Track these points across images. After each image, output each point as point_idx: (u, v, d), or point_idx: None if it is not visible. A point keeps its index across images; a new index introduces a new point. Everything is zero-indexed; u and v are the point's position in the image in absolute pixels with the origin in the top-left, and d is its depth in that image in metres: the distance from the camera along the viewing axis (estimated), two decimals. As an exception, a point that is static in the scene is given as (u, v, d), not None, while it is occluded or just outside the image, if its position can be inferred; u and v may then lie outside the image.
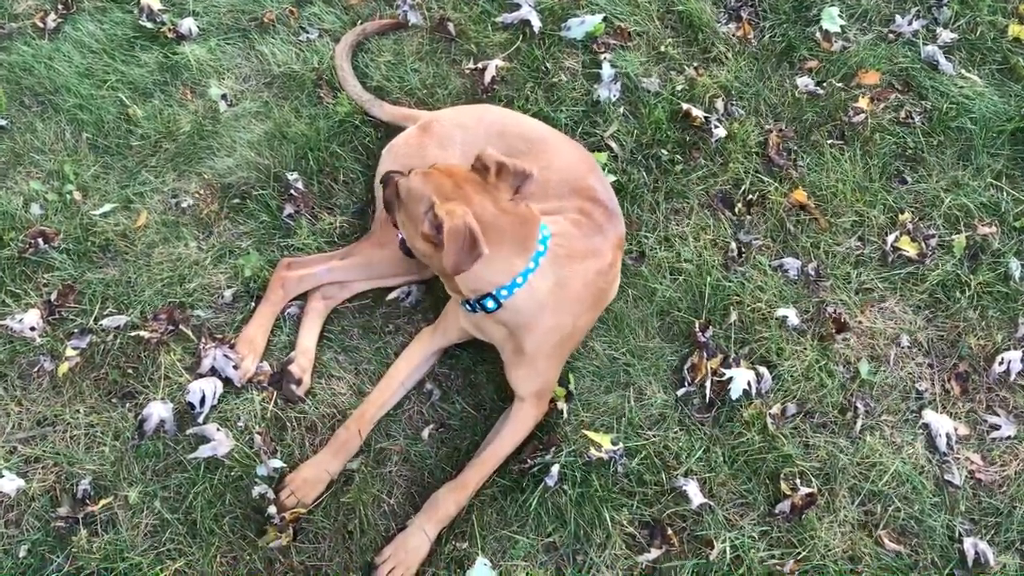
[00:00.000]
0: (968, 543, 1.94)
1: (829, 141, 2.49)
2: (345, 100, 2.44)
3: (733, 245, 2.30)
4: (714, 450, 2.03)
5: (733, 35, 2.67)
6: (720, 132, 2.46)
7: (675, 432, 2.06)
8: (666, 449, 2.03)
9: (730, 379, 2.09)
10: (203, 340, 2.12)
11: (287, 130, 2.41)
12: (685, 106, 2.48)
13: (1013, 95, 2.58)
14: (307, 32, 2.58)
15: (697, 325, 2.17)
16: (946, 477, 2.03)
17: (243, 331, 2.13)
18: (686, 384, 2.12)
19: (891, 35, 2.70)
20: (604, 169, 2.36)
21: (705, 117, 2.48)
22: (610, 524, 1.94)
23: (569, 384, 2.09)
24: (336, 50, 2.47)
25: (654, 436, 2.04)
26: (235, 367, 2.08)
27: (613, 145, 2.43)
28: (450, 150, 2.11)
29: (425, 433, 2.05)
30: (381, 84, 2.49)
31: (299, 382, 2.10)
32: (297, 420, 2.06)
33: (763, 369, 2.13)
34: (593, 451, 1.99)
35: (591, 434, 2.02)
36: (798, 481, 1.99)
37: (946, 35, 2.68)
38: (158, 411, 2.04)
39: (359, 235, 2.25)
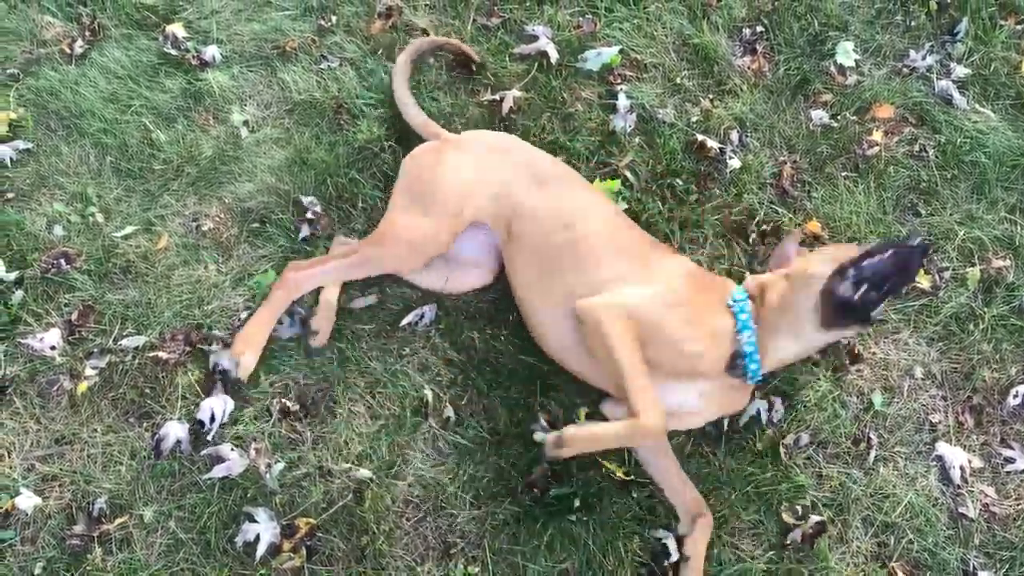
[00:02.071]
0: (982, 577, 1.94)
1: (843, 173, 2.50)
2: (365, 127, 2.48)
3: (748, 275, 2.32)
4: (726, 479, 2.04)
5: (748, 68, 2.69)
6: (735, 163, 2.49)
7: (689, 463, 2.06)
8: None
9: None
10: (211, 343, 2.16)
11: (307, 156, 2.44)
12: (700, 137, 2.50)
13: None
14: (328, 60, 2.62)
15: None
16: (960, 510, 2.03)
17: (243, 329, 2.16)
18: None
19: (905, 70, 2.72)
20: (619, 197, 2.39)
21: (720, 148, 2.51)
22: (623, 551, 1.94)
23: (579, 420, 2.10)
24: (398, 60, 2.51)
25: (667, 464, 2.05)
26: (236, 365, 2.12)
27: (628, 175, 2.46)
28: (466, 166, 2.14)
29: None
30: (395, 113, 2.53)
31: (316, 334, 2.18)
32: (308, 436, 2.08)
33: (776, 399, 2.14)
34: (607, 478, 2.00)
35: (607, 463, 2.03)
36: (808, 510, 1.99)
37: (960, 70, 2.70)
38: (175, 431, 2.06)
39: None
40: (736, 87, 2.66)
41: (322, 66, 2.62)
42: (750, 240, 2.38)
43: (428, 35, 2.65)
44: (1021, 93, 2.67)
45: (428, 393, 2.13)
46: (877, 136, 2.57)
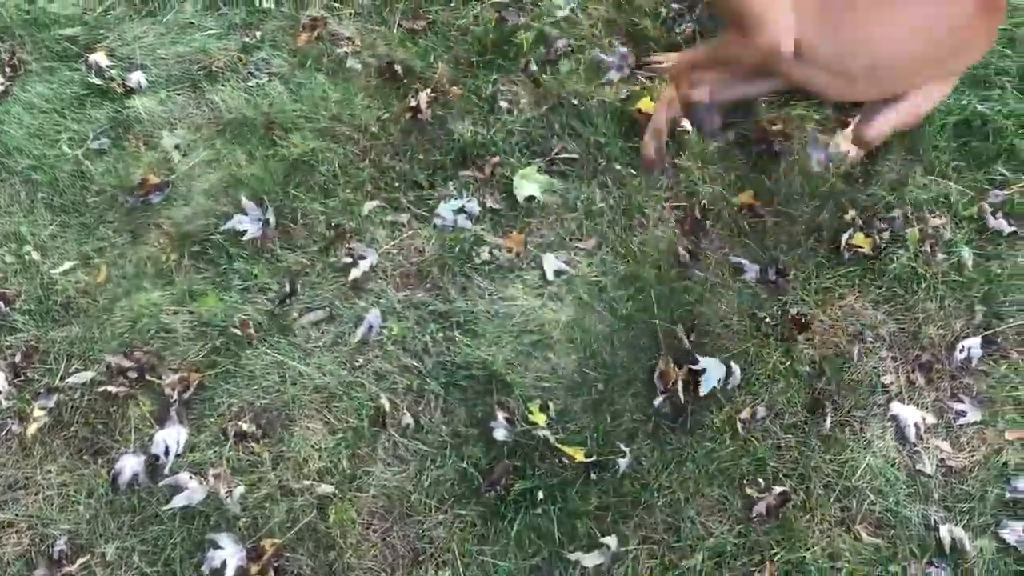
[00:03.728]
0: (944, 530, 1.97)
1: (777, 148, 2.53)
2: (299, 140, 2.46)
3: (681, 251, 2.32)
4: (688, 456, 2.05)
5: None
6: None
7: (648, 443, 2.07)
8: (640, 461, 2.05)
9: (702, 371, 2.12)
10: (161, 375, 2.13)
11: (241, 175, 2.42)
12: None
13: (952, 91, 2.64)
14: (256, 77, 2.60)
15: (680, 329, 2.19)
16: (918, 467, 2.06)
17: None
18: (658, 392, 2.14)
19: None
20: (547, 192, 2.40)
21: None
22: (588, 539, 1.95)
23: (549, 410, 2.11)
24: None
25: (629, 448, 2.06)
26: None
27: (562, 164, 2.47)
28: None
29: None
30: (329, 124, 2.51)
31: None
32: (267, 457, 2.06)
33: (734, 365, 2.15)
34: (568, 467, 2.01)
35: (565, 448, 2.03)
36: (770, 481, 2.01)
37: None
38: (131, 464, 2.03)
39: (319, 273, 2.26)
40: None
41: (250, 83, 2.59)
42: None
43: (353, 42, 2.64)
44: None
45: (385, 402, 2.12)
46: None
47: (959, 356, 2.19)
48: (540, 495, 2.00)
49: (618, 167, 2.46)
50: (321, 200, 2.39)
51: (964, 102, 2.57)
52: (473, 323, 2.21)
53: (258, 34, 2.68)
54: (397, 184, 2.44)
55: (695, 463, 2.05)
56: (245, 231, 2.33)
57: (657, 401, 2.12)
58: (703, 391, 2.11)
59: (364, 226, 2.36)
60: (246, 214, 2.35)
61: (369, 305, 2.25)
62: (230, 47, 2.67)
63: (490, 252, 2.32)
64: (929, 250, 2.33)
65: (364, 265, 2.29)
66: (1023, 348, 2.20)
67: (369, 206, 2.38)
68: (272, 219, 2.34)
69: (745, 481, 2.03)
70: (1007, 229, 2.37)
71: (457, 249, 2.31)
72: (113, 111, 2.56)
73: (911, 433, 2.10)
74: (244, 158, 2.46)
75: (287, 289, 2.26)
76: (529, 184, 2.44)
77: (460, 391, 2.14)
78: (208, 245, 2.33)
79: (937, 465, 2.06)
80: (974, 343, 2.19)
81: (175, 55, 2.66)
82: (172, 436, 2.05)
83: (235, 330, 2.20)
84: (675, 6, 2.77)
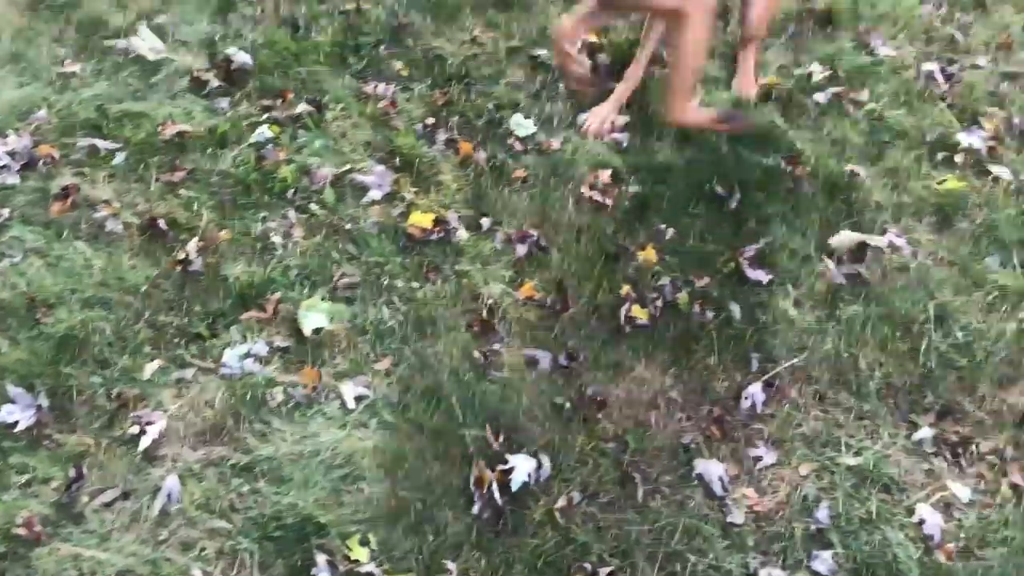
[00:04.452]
0: (763, 575, 2.05)
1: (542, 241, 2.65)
2: (65, 315, 2.35)
3: (476, 354, 2.37)
4: (514, 560, 2.05)
5: (452, 156, 2.81)
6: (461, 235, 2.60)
7: (474, 554, 2.06)
8: (468, 574, 2.03)
9: (511, 470, 2.13)
10: None
11: (5, 363, 2.27)
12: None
13: (695, 160, 2.86)
14: (9, 257, 2.48)
15: (488, 432, 2.20)
16: (729, 519, 2.15)
17: None
18: (475, 499, 2.13)
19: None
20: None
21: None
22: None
23: (370, 543, 2.06)
24: None
25: (456, 564, 2.04)
26: None
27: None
28: None
29: None
30: (96, 292, 2.42)
31: None
32: None
33: (543, 456, 2.19)
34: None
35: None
36: (596, 564, 2.04)
37: (622, 119, 2.95)
38: None
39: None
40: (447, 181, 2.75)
41: (3, 264, 2.47)
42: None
43: (111, 204, 2.57)
44: (683, 130, 2.94)
45: (197, 572, 2.01)
46: (586, 190, 2.76)
47: (745, 404, 2.32)
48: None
49: (400, 283, 2.50)
50: (98, 372, 2.28)
51: (708, 170, 2.79)
52: (278, 469, 2.15)
53: (6, 212, 2.56)
54: (177, 340, 2.37)
55: (522, 563, 2.05)
56: (16, 422, 2.18)
57: (476, 508, 2.12)
58: (515, 488, 2.13)
59: (148, 390, 2.27)
60: (15, 403, 2.20)
61: (165, 472, 2.14)
62: (-23, 230, 2.54)
63: (285, 392, 2.28)
64: (700, 310, 2.48)
65: (153, 431, 2.18)
66: (798, 384, 2.37)
67: (150, 368, 2.30)
68: (45, 403, 2.21)
69: (572, 570, 2.05)
70: (764, 278, 2.56)
71: (249, 396, 2.26)
72: None
73: (717, 487, 2.19)
74: (6, 344, 2.32)
75: (72, 475, 2.12)
76: (315, 315, 2.42)
77: (275, 543, 2.06)
78: (-22, 444, 2.17)
79: (746, 513, 2.16)
80: (756, 389, 2.33)
81: (-84, 248, 2.50)
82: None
83: (20, 531, 2.04)
84: (429, 120, 2.87)
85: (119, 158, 2.68)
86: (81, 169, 2.66)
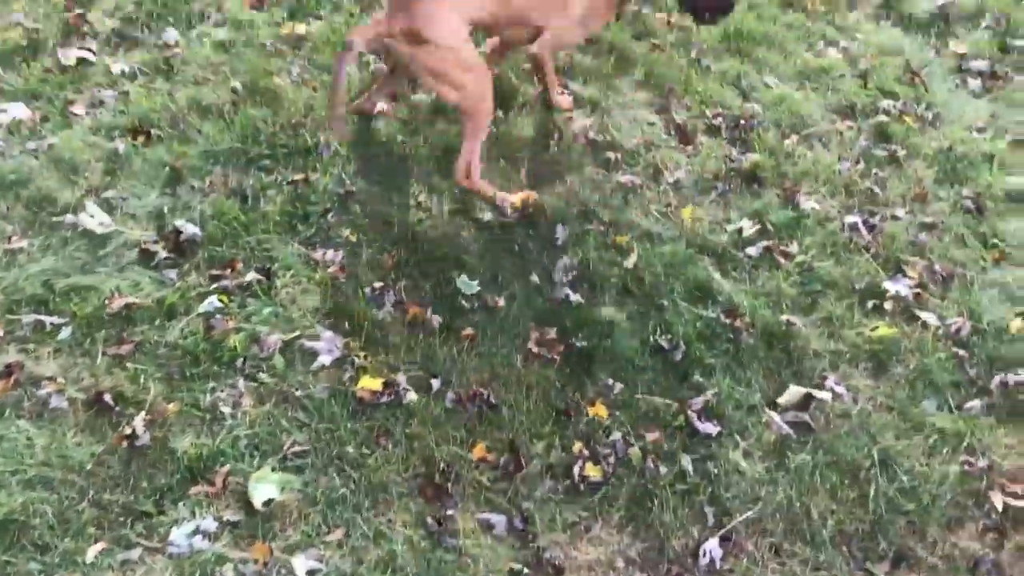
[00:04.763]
0: None
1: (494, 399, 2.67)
2: (4, 498, 2.27)
3: (430, 520, 2.34)
4: None
5: (401, 317, 2.84)
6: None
7: None
8: None
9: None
10: None
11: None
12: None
13: (637, 314, 2.95)
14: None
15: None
16: None
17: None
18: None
19: (531, 286, 3.01)
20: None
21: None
22: None
23: None
24: None
25: None
26: None
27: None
28: None
29: None
30: (38, 472, 2.36)
31: None
32: None
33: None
34: None
35: None
36: None
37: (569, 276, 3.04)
38: None
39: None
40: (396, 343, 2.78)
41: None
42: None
43: (56, 380, 2.54)
44: (625, 285, 3.04)
45: None
46: (533, 346, 2.82)
47: (704, 561, 2.32)
48: None
49: (351, 450, 2.48)
50: (37, 558, 2.20)
51: (651, 324, 2.87)
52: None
53: (-55, 396, 2.51)
54: (123, 519, 2.30)
55: None
56: (-52, 616, 2.08)
57: None
58: None
59: (91, 575, 2.18)
60: (-53, 596, 2.11)
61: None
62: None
63: (235, 569, 2.21)
64: (652, 465, 2.50)
65: (95, 620, 2.10)
66: (754, 537, 2.38)
67: (93, 551, 2.22)
68: (-19, 594, 2.12)
69: None
70: (713, 430, 2.60)
71: (198, 575, 2.19)
72: None
73: (679, 646, 2.16)
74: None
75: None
76: (265, 486, 2.38)
77: None
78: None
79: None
80: (713, 545, 2.34)
81: None
82: None
83: None
84: (377, 284, 2.92)
85: (65, 333, 2.66)
86: (25, 346, 2.63)
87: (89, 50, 3.72)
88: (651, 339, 2.87)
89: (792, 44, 4.25)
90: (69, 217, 2.97)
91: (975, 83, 4.11)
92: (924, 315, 3.03)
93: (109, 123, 3.39)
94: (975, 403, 2.78)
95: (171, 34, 3.86)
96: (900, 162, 3.65)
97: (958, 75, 4.19)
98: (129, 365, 2.62)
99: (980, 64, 4.22)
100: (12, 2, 3.94)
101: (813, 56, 4.20)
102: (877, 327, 2.97)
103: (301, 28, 3.99)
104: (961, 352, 2.92)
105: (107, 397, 2.52)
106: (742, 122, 3.76)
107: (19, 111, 3.36)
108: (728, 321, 2.94)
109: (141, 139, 3.33)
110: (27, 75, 3.54)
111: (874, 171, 3.60)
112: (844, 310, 3.03)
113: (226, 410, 2.55)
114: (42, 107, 3.43)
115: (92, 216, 2.97)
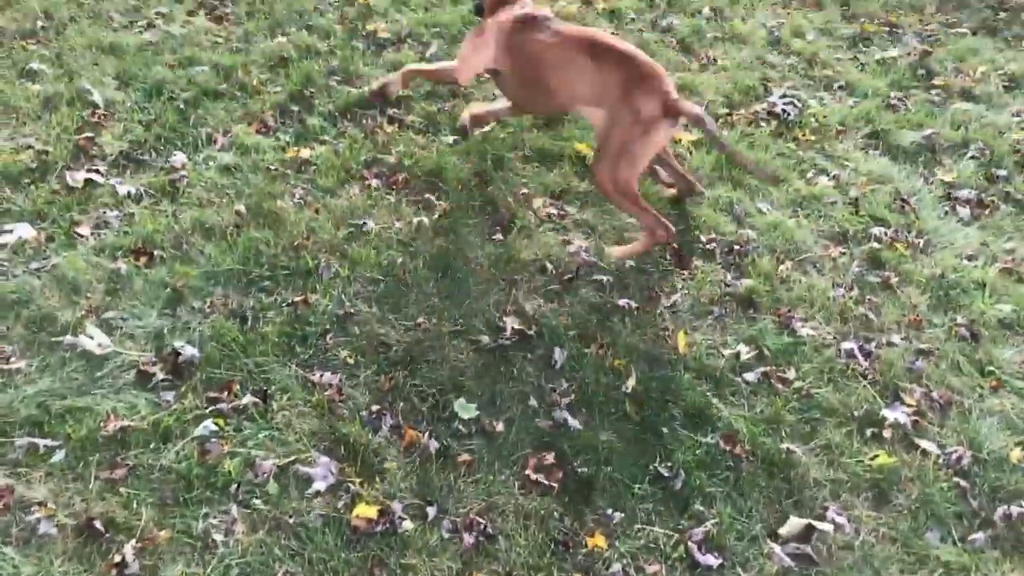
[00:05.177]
0: None
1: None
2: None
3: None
4: None
5: (398, 445, 2.82)
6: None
7: None
8: None
9: None
10: None
11: None
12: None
13: (637, 440, 2.93)
14: (-69, 566, 2.36)
15: None
16: None
17: None
18: None
19: (530, 411, 3.00)
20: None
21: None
22: None
23: None
24: None
25: None
26: None
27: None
28: None
29: None
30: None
31: None
32: None
33: None
34: None
35: None
36: None
37: (566, 399, 3.04)
38: None
39: None
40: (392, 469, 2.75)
41: (-77, 576, 2.34)
42: None
43: (46, 505, 2.49)
44: (624, 409, 3.03)
45: None
46: (531, 472, 2.78)
47: None
48: None
49: (346, 582, 2.43)
50: None
51: (650, 450, 2.86)
52: None
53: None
54: (106, 655, 2.23)
55: None
56: None
57: None
58: None
59: None
60: None
61: None
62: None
63: None
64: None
65: None
66: None
67: None
68: None
69: None
70: (715, 562, 2.56)
71: None
72: None
73: None
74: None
75: None
76: (255, 620, 2.32)
77: None
78: None
79: None
80: None
81: None
82: None
83: None
84: (375, 407, 2.91)
85: (58, 456, 2.63)
86: (17, 469, 2.59)
87: (97, 171, 3.79)
88: (651, 466, 2.84)
89: (784, 172, 4.35)
90: (68, 338, 2.98)
91: (964, 211, 4.19)
92: (924, 443, 3.01)
93: (113, 243, 3.43)
94: (979, 535, 2.74)
95: (179, 157, 3.95)
96: (893, 288, 3.70)
97: (947, 203, 4.27)
98: (122, 490, 2.59)
99: (968, 193, 4.31)
100: (24, 124, 4.04)
101: (805, 184, 4.29)
102: (877, 455, 2.95)
103: (305, 152, 4.08)
104: (963, 482, 2.90)
105: (98, 523, 2.47)
106: (737, 247, 3.82)
107: (25, 231, 3.40)
108: (728, 448, 2.92)
109: (143, 260, 3.37)
110: (35, 196, 3.60)
111: (868, 297, 3.64)
112: (843, 438, 3.02)
113: (218, 537, 2.50)
114: (48, 227, 3.48)
115: (91, 337, 2.98)
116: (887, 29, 5.99)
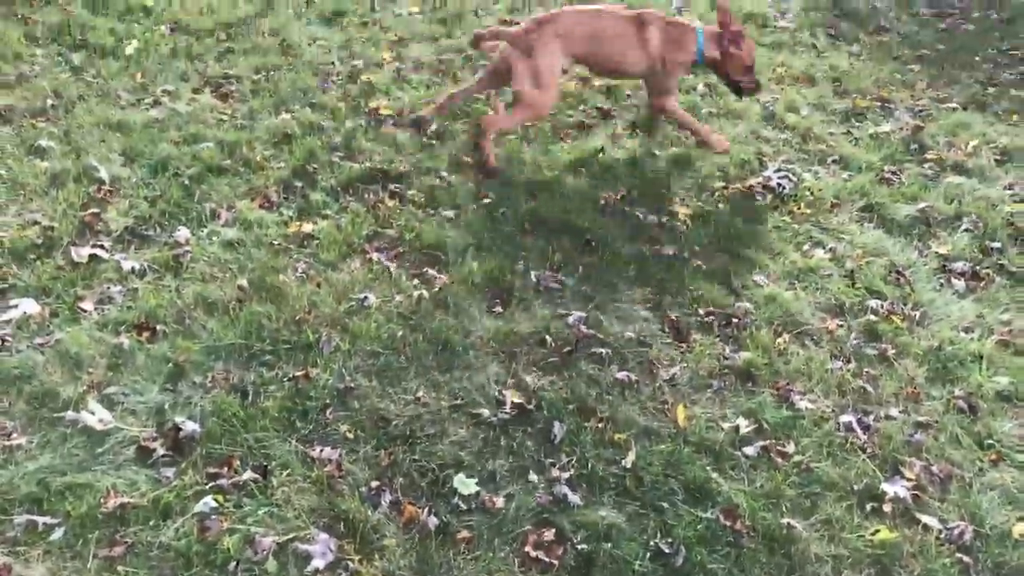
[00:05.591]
0: None
1: None
2: None
3: None
4: None
5: (397, 520, 2.81)
6: None
7: None
8: None
9: None
10: None
11: None
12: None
13: (637, 515, 2.92)
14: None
15: None
16: None
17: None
18: None
19: (530, 485, 2.99)
20: None
21: None
22: None
23: None
24: None
25: None
26: None
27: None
28: None
29: None
30: None
31: None
32: None
33: None
34: None
35: None
36: None
37: (565, 473, 3.03)
38: None
39: None
40: (391, 546, 2.74)
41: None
42: None
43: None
44: (623, 484, 3.03)
45: None
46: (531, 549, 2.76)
47: None
48: None
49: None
50: None
51: (651, 526, 2.84)
52: None
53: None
54: None
55: None
56: None
57: None
58: None
59: None
60: None
61: None
62: None
63: None
64: None
65: None
66: None
67: None
68: None
69: None
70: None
71: None
72: None
73: None
74: None
75: None
76: None
77: None
78: None
79: None
80: None
81: None
82: None
83: None
84: (374, 483, 2.91)
85: (57, 533, 2.63)
86: (16, 548, 2.59)
87: (102, 247, 3.85)
88: (651, 542, 2.83)
89: (780, 244, 4.41)
90: (70, 413, 2.99)
91: (959, 283, 4.24)
92: (925, 518, 3.00)
93: (116, 318, 3.47)
94: (984, 614, 2.72)
95: (182, 232, 4.01)
96: (891, 361, 3.72)
97: (942, 275, 4.32)
98: (120, 568, 2.58)
99: (962, 265, 4.36)
100: (31, 201, 4.11)
101: (801, 256, 4.35)
102: (878, 530, 2.93)
103: (308, 227, 4.15)
104: (965, 558, 2.88)
105: (94, 603, 2.46)
106: (734, 320, 3.85)
107: (29, 306, 3.44)
108: (728, 523, 2.91)
109: (146, 335, 3.40)
110: (40, 272, 3.64)
111: (866, 369, 3.66)
112: (844, 512, 3.01)
113: (216, 620, 2.48)
114: (52, 303, 3.52)
115: (93, 413, 2.99)
116: (879, 104, 6.10)
